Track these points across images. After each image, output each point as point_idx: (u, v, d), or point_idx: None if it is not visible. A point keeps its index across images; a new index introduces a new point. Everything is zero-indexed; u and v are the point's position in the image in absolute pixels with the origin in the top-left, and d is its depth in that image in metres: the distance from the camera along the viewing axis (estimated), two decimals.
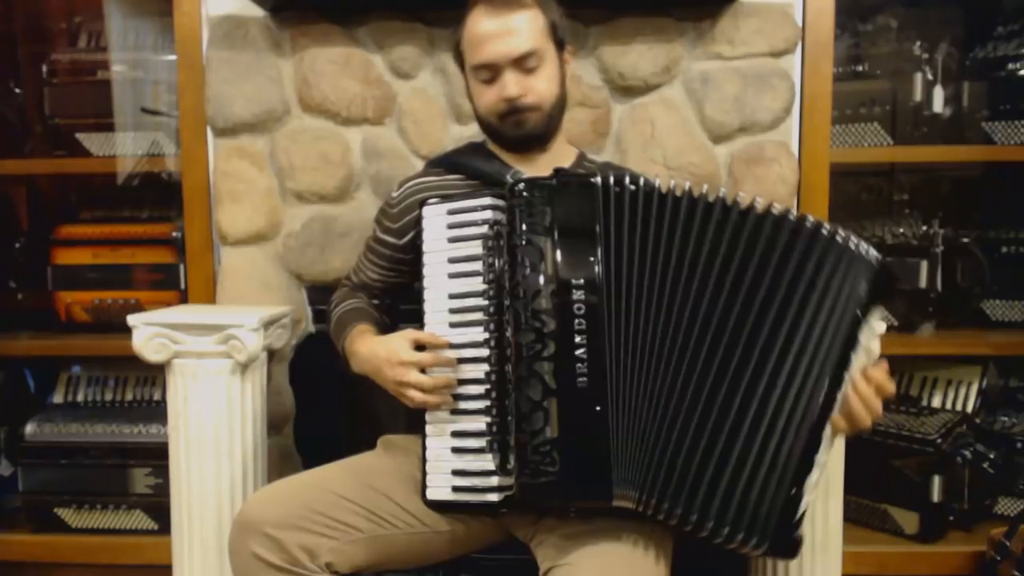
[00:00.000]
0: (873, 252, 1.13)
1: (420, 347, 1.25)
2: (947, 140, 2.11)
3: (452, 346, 1.23)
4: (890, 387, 1.14)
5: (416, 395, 1.22)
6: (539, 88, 1.35)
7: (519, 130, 1.37)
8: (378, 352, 1.29)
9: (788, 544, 1.14)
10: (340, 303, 1.50)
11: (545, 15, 1.35)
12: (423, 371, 1.24)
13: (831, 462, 1.61)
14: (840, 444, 1.63)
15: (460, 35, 1.38)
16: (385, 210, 1.46)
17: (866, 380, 1.12)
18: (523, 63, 1.32)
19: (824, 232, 1.12)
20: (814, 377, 1.11)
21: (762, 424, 1.11)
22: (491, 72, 1.34)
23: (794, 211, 1.15)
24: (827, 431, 1.12)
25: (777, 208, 1.14)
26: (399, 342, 1.25)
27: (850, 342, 1.11)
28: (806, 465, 1.11)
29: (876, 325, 1.15)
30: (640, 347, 1.13)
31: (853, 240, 1.13)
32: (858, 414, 1.12)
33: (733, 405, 1.12)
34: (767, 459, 1.11)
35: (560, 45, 1.40)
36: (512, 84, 1.33)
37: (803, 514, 1.13)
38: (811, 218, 1.14)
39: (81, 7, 2.30)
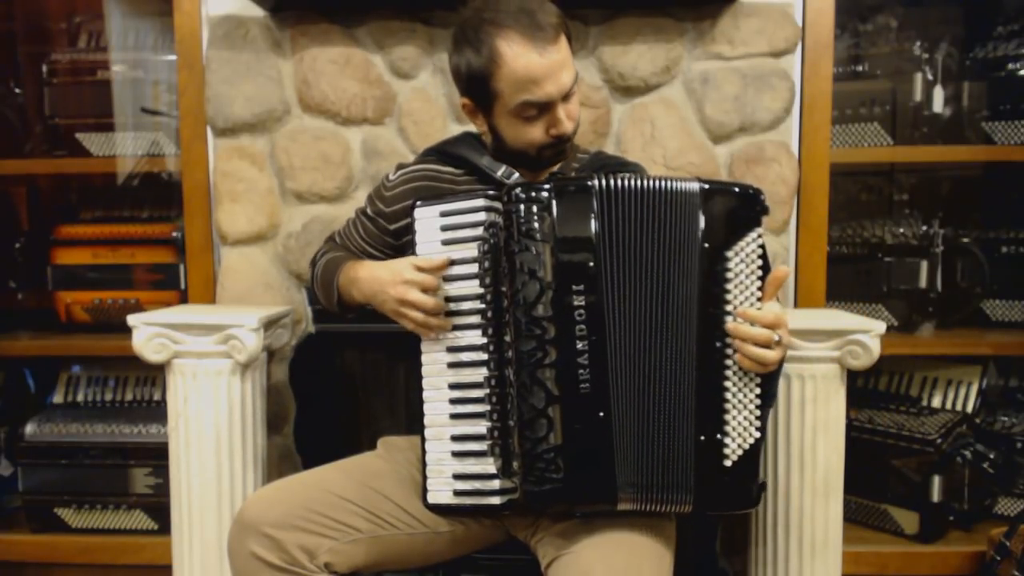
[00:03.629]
0: (695, 184, 1.13)
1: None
2: (947, 140, 2.11)
3: (449, 349, 1.23)
4: (768, 317, 1.12)
5: (417, 315, 1.21)
6: (575, 112, 1.30)
7: (559, 157, 1.34)
8: (380, 274, 1.27)
9: (722, 496, 1.15)
10: (325, 253, 1.48)
11: (566, 31, 1.26)
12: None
13: (830, 462, 1.62)
14: (840, 444, 1.63)
15: (490, 67, 1.24)
16: (380, 192, 1.44)
17: (747, 315, 1.12)
18: (568, 92, 1.27)
19: (649, 186, 1.13)
20: (685, 321, 1.13)
21: (666, 378, 1.13)
22: (539, 109, 1.26)
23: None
24: (732, 370, 1.13)
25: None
26: (402, 263, 1.24)
27: (711, 276, 1.12)
28: (709, 409, 1.13)
29: (748, 248, 1.13)
30: (633, 346, 1.13)
31: (673, 181, 1.14)
32: (748, 351, 1.11)
33: (664, 377, 1.14)
34: (675, 414, 1.13)
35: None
36: (565, 120, 1.27)
37: (742, 463, 1.13)
38: (647, 179, 1.14)
39: (81, 7, 2.30)
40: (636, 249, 1.13)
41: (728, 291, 1.13)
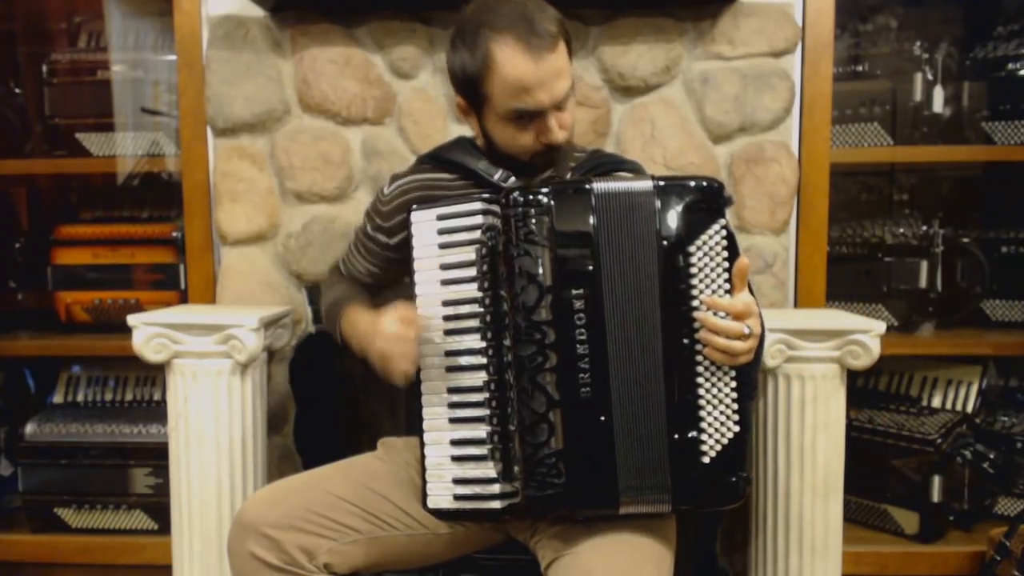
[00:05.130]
0: (648, 183, 1.13)
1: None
2: (947, 140, 2.11)
3: (448, 353, 1.22)
4: (736, 306, 1.11)
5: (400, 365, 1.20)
6: (568, 120, 1.27)
7: (549, 164, 1.32)
8: (363, 326, 1.28)
9: (701, 493, 1.14)
10: (331, 287, 1.51)
11: (566, 37, 1.23)
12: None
13: (830, 462, 1.62)
14: (840, 444, 1.63)
15: (483, 71, 1.22)
16: (377, 208, 1.43)
17: (713, 303, 1.11)
18: (562, 101, 1.24)
19: (616, 188, 1.13)
20: (652, 319, 1.12)
21: (644, 378, 1.13)
22: (530, 116, 1.24)
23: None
24: (703, 365, 1.12)
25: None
26: (384, 318, 1.23)
27: (673, 272, 1.12)
28: (681, 407, 1.12)
29: (711, 241, 1.13)
30: (625, 348, 1.13)
31: (630, 181, 1.14)
32: (716, 343, 1.10)
33: (642, 377, 1.14)
34: (651, 414, 1.12)
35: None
36: (556, 129, 1.25)
37: (723, 458, 1.12)
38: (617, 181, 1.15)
39: (81, 7, 2.30)
40: (619, 250, 1.13)
41: (693, 286, 1.12)
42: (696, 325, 1.12)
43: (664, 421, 1.12)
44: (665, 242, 1.12)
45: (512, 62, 1.20)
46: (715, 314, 1.11)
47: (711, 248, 1.12)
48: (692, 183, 1.14)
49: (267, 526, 1.17)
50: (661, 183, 1.13)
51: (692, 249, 1.12)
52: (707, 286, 1.13)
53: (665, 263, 1.12)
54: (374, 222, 1.44)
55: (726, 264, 1.13)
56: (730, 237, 1.13)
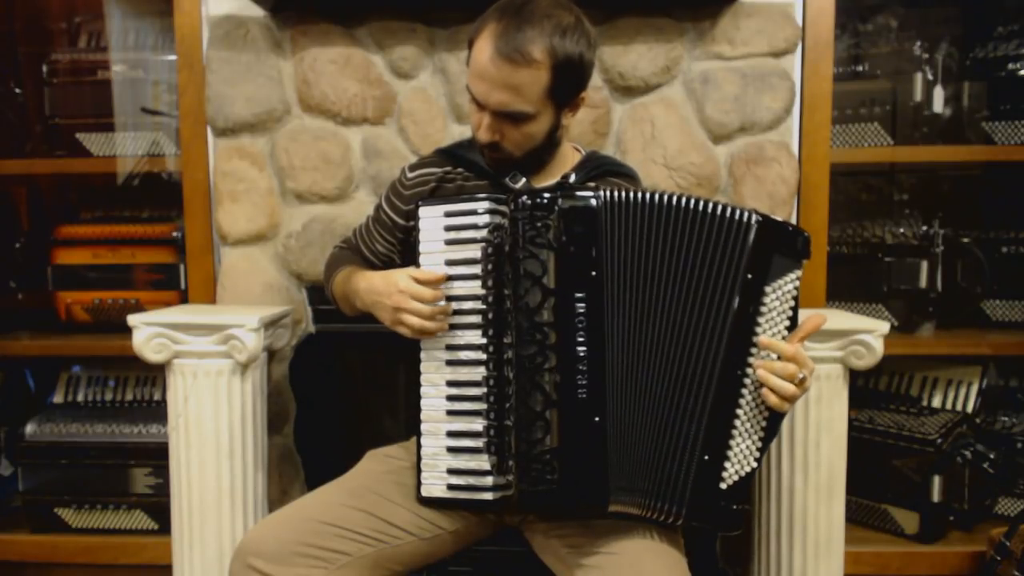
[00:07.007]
0: (754, 216, 1.14)
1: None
2: (947, 140, 2.11)
3: (448, 347, 1.24)
4: (793, 352, 1.12)
5: (414, 321, 1.22)
6: (516, 139, 1.28)
7: (492, 161, 1.34)
8: (376, 284, 1.29)
9: (711, 514, 1.16)
10: (340, 249, 1.57)
11: (552, 74, 1.22)
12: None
13: (833, 462, 1.62)
14: (843, 444, 1.63)
15: (471, 41, 1.26)
16: (398, 189, 1.46)
17: (774, 346, 1.13)
18: (507, 115, 1.25)
19: (699, 208, 1.14)
20: (710, 344, 1.14)
21: (677, 394, 1.15)
22: (474, 100, 1.27)
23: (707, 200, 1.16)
24: (746, 399, 1.15)
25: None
26: (398, 274, 1.25)
27: (746, 307, 1.14)
28: (718, 431, 1.15)
29: (786, 287, 1.15)
30: (636, 356, 1.15)
31: (730, 209, 1.14)
32: (771, 382, 1.12)
33: (675, 392, 1.16)
34: (682, 429, 1.15)
35: (562, 103, 1.28)
36: (486, 129, 1.27)
37: (736, 487, 1.15)
38: (694, 198, 1.15)
39: (81, 7, 2.30)
40: (648, 264, 1.14)
41: (759, 324, 1.14)
42: (751, 360, 1.14)
43: (700, 440, 1.15)
44: (749, 275, 1.14)
45: (482, 43, 1.22)
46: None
47: (784, 293, 1.15)
48: (789, 228, 1.16)
49: (262, 561, 1.17)
50: (762, 219, 1.14)
51: (768, 290, 1.14)
52: (771, 327, 1.15)
53: (742, 295, 1.14)
54: (391, 202, 1.47)
55: (790, 312, 1.16)
56: (799, 288, 1.16)
